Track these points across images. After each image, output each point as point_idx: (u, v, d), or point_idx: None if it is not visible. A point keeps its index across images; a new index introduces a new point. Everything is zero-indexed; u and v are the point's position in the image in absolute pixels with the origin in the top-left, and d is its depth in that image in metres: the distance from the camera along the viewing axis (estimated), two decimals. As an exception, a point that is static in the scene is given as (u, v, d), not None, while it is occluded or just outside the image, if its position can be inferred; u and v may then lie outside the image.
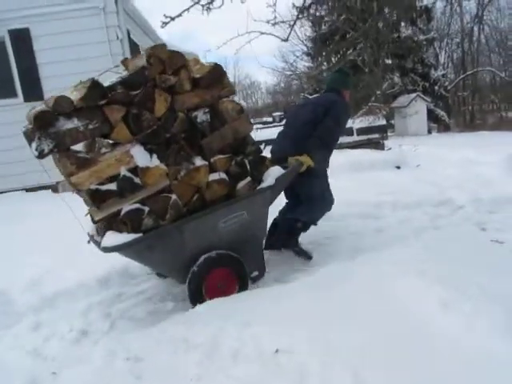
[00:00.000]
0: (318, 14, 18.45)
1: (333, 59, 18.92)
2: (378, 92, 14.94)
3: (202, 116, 2.75)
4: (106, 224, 2.62)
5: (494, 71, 19.72)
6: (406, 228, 3.91)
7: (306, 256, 3.40)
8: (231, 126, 2.83)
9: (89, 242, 2.86)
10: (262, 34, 5.73)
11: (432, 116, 17.24)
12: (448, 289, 1.99)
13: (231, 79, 3.04)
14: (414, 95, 16.35)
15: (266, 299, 2.43)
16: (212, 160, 2.77)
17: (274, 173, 2.91)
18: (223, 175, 2.79)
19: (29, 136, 2.45)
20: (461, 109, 21.03)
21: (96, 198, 2.50)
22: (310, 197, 3.35)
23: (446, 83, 19.30)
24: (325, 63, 19.49)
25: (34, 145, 2.43)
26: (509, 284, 2.08)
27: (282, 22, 5.54)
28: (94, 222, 2.63)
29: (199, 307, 2.54)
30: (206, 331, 2.13)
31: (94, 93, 2.51)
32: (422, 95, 16.61)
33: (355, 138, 10.01)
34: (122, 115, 2.58)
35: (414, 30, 18.02)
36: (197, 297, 2.69)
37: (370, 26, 15.72)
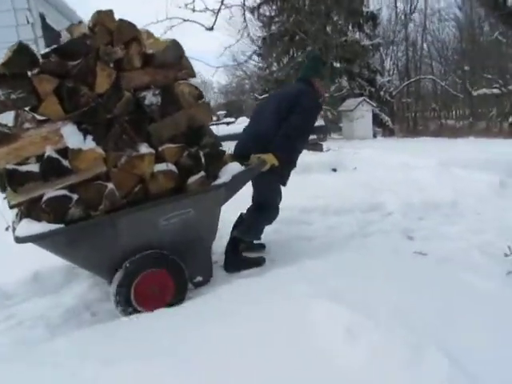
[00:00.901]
0: (267, 14, 18.47)
1: (284, 60, 19.03)
2: (326, 94, 15.15)
3: (151, 98, 2.41)
4: (25, 211, 2.24)
5: (436, 79, 20.77)
6: (333, 236, 3.65)
7: (258, 264, 3.06)
8: (187, 112, 2.52)
9: (7, 229, 2.45)
10: (185, 21, 5.26)
11: (377, 120, 17.80)
12: (359, 313, 1.79)
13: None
14: (360, 99, 16.73)
15: (142, 328, 2.05)
16: (160, 149, 2.45)
17: (231, 169, 2.64)
18: (172, 167, 2.47)
19: None
20: (405, 115, 21.83)
21: (13, 180, 2.14)
22: (263, 202, 3.08)
23: (391, 89, 20.04)
24: (275, 64, 19.55)
25: None
26: (424, 304, 1.94)
27: (207, 9, 5.14)
28: (9, 206, 2.23)
29: (60, 340, 2.02)
30: (57, 375, 1.68)
31: (21, 59, 2.13)
32: (368, 100, 17.09)
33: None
34: (53, 87, 2.19)
35: (360, 35, 18.52)
36: (123, 302, 2.37)
37: (318, 28, 15.96)
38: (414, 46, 21.62)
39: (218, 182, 2.58)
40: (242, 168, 2.71)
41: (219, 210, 2.68)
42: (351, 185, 5.24)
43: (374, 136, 17.06)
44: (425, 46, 21.75)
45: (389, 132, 18.69)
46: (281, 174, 3.02)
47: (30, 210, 2.20)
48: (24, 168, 2.14)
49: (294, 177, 3.19)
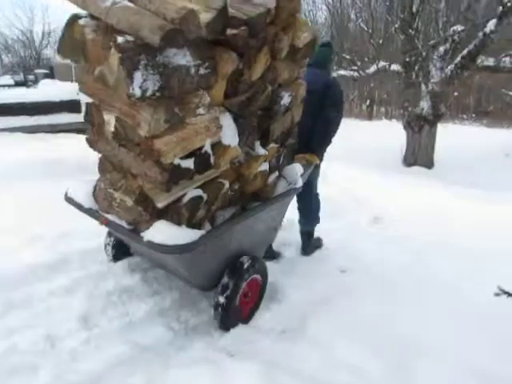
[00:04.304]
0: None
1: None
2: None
3: (286, 99, 2.19)
4: (151, 210, 1.78)
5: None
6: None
7: (318, 245, 3.24)
8: (292, 112, 2.37)
9: (101, 223, 1.82)
10: None
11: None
12: None
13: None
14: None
15: None
16: (267, 148, 2.28)
17: (298, 171, 2.57)
18: (267, 166, 2.35)
19: (131, 60, 1.34)
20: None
21: (173, 177, 1.68)
22: (310, 192, 3.05)
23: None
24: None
25: (138, 77, 1.37)
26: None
27: None
28: (151, 209, 1.73)
29: None
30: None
31: (221, 22, 1.62)
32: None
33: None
34: (232, 69, 1.76)
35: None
36: (232, 308, 2.12)
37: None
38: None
39: (297, 185, 2.53)
40: (302, 169, 2.67)
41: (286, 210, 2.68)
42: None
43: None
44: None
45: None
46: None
47: (167, 209, 1.77)
48: (185, 163, 1.70)
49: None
